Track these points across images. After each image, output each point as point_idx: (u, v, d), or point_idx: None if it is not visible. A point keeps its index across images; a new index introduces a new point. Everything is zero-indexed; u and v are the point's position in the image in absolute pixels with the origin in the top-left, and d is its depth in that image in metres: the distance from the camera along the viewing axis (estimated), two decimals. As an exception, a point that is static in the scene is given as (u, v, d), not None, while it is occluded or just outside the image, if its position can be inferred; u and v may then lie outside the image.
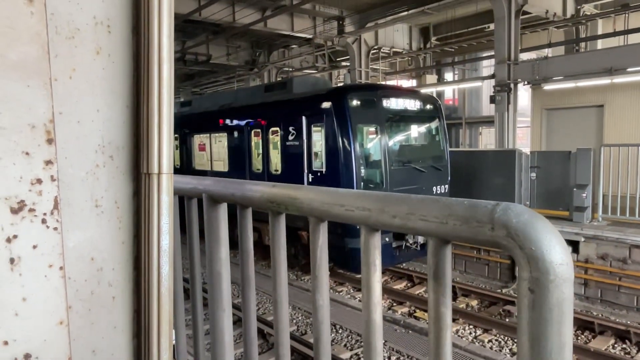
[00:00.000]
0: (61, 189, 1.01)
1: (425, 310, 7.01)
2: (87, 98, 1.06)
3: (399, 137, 8.40)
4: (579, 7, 12.85)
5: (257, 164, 9.25)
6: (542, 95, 12.02)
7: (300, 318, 6.86)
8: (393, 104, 8.10)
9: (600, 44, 12.83)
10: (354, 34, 15.31)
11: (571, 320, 0.68)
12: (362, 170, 7.48)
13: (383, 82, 16.80)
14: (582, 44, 13.05)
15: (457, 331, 6.68)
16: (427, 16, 14.00)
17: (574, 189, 8.34)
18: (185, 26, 15.23)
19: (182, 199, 1.41)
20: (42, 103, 0.99)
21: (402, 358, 5.51)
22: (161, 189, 1.10)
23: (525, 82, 11.32)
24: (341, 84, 16.86)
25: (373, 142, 7.88)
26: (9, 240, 0.94)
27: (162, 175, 1.10)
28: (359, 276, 7.42)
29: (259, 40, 19.13)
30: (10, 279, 0.94)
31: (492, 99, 11.52)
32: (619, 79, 10.06)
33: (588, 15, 12.86)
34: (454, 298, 7.95)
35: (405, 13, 13.56)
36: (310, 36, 15.55)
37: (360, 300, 7.34)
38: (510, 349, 6.11)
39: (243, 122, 9.62)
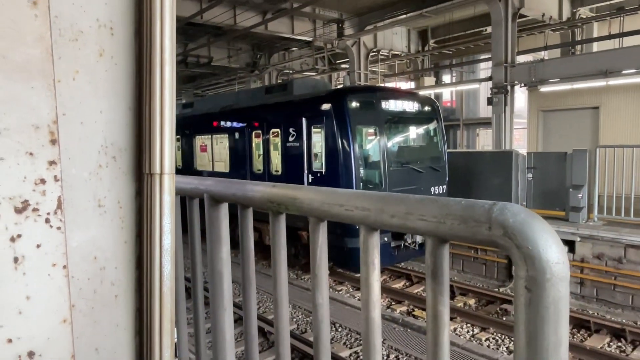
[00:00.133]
0: (64, 189, 1.02)
1: (424, 309, 7.03)
2: (90, 99, 1.07)
3: (398, 139, 8.45)
4: (574, 11, 12.95)
5: (258, 164, 9.28)
6: (539, 97, 12.10)
7: (300, 316, 6.87)
8: (392, 105, 8.14)
9: (595, 46, 12.92)
10: (354, 37, 15.39)
11: (567, 319, 0.69)
12: (362, 171, 7.53)
13: (382, 84, 16.85)
14: (578, 47, 13.14)
15: (455, 329, 6.70)
16: (426, 19, 14.07)
17: (570, 190, 8.39)
18: (187, 29, 15.28)
19: (184, 199, 1.42)
20: (45, 104, 1.00)
21: (400, 356, 5.53)
22: (163, 189, 1.11)
23: (522, 84, 11.39)
24: (341, 86, 16.90)
25: (372, 143, 7.92)
26: (13, 239, 0.95)
27: (164, 176, 1.11)
28: (358, 275, 7.44)
29: (259, 43, 19.19)
30: (14, 278, 0.95)
31: (490, 101, 11.59)
32: (614, 81, 10.13)
33: (584, 19, 12.95)
34: (452, 297, 7.98)
35: (404, 16, 13.63)
36: (310, 39, 15.62)
37: (359, 299, 7.36)
38: (507, 347, 6.15)
39: (244, 124, 9.66)
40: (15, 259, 0.95)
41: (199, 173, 11.15)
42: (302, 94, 8.73)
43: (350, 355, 5.69)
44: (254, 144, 9.36)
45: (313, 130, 7.94)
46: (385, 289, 8.23)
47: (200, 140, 11.22)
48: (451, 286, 8.06)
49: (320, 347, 1.11)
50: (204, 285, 1.44)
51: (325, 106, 7.79)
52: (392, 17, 14.02)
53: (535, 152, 10.28)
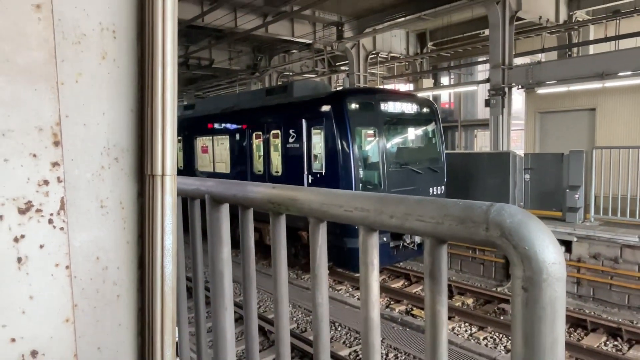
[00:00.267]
0: (67, 190, 1.03)
1: (422, 308, 7.06)
2: (93, 101, 1.08)
3: (397, 140, 8.49)
4: (571, 14, 13.03)
5: (258, 165, 9.31)
6: (536, 99, 12.16)
7: (300, 316, 6.89)
8: (391, 107, 8.19)
9: (592, 49, 13.00)
10: (353, 39, 15.46)
11: (563, 318, 0.70)
12: (361, 172, 7.56)
13: (381, 86, 16.90)
14: (575, 49, 13.22)
15: (453, 329, 6.73)
16: (424, 22, 14.13)
17: (567, 190, 8.44)
18: (188, 31, 15.34)
19: (185, 200, 1.43)
20: (49, 106, 1.01)
21: (399, 355, 5.55)
22: (165, 190, 1.12)
23: (519, 86, 11.45)
24: (340, 88, 16.95)
25: (371, 145, 7.96)
26: (16, 240, 0.96)
27: (166, 177, 1.12)
28: (357, 275, 7.46)
29: (260, 45, 19.25)
30: (17, 278, 0.96)
31: (487, 103, 11.64)
32: (610, 83, 10.20)
33: (580, 22, 13.04)
34: (450, 296, 8.01)
35: (403, 19, 13.70)
36: (310, 41, 15.68)
37: (358, 299, 7.34)
38: (505, 346, 6.17)
39: (244, 125, 9.70)
40: (19, 259, 0.96)
41: (200, 174, 11.18)
42: (302, 95, 8.77)
43: (350, 354, 5.71)
44: (254, 145, 9.39)
45: (313, 131, 7.98)
46: (384, 289, 8.25)
47: (201, 142, 11.25)
48: (449, 286, 8.15)
49: (319, 346, 1.12)
50: (205, 284, 1.45)
51: (325, 108, 7.82)
52: (391, 20, 14.09)
53: (532, 153, 10.33)
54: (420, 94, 11.86)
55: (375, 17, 14.66)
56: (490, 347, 6.13)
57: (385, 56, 17.41)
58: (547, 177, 9.22)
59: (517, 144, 16.08)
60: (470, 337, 6.46)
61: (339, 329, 6.34)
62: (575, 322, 6.70)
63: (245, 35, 14.79)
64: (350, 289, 8.53)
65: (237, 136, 9.91)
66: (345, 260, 7.77)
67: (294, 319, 6.76)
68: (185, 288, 1.51)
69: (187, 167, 11.73)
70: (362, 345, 1.02)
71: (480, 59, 16.79)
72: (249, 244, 1.30)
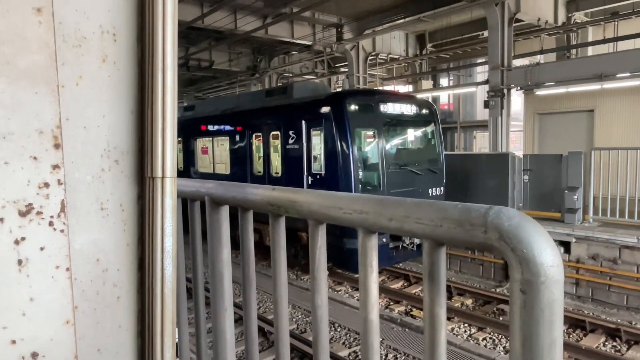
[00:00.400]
0: (68, 193, 1.03)
1: (422, 309, 7.04)
2: (93, 104, 1.08)
3: (396, 141, 8.51)
4: (570, 15, 13.08)
5: (258, 166, 9.32)
6: (535, 100, 12.19)
7: (300, 316, 6.89)
8: (390, 108, 8.21)
9: (590, 50, 13.04)
10: (352, 41, 15.49)
11: (561, 320, 0.70)
12: (360, 173, 7.58)
13: (380, 88, 16.93)
14: (573, 51, 13.26)
15: (453, 329, 6.74)
16: (423, 24, 14.17)
17: (566, 191, 8.46)
18: (188, 33, 15.38)
19: (185, 201, 1.44)
20: (49, 109, 1.02)
21: (399, 356, 5.56)
22: (165, 193, 1.13)
23: (518, 88, 11.48)
24: (340, 89, 16.98)
25: (371, 146, 7.97)
26: (17, 242, 0.96)
27: (166, 179, 1.13)
28: (357, 276, 7.45)
29: (260, 47, 19.30)
30: (18, 280, 0.96)
31: (486, 104, 11.66)
32: (608, 85, 10.23)
33: (579, 23, 13.08)
34: (450, 297, 8.01)
35: (402, 21, 13.74)
36: (310, 43, 15.72)
37: (358, 299, 7.32)
38: (504, 347, 6.18)
39: (244, 126, 9.71)
40: (20, 262, 0.97)
41: (200, 174, 11.20)
42: (301, 97, 8.78)
43: (349, 354, 5.72)
44: (254, 146, 9.41)
45: (312, 132, 7.99)
46: (383, 289, 8.26)
47: (201, 143, 11.27)
48: (449, 286, 8.16)
49: (319, 347, 1.12)
50: (205, 285, 1.46)
51: (325, 109, 7.84)
52: (391, 22, 14.13)
53: (531, 155, 10.36)
54: (419, 96, 11.88)
55: (374, 19, 14.70)
56: (490, 348, 6.13)
57: (384, 57, 17.45)
58: (545, 178, 9.24)
59: (516, 145, 16.11)
60: (469, 338, 6.47)
61: (338, 329, 6.35)
62: (574, 323, 6.71)
63: (245, 37, 14.83)
64: (350, 290, 8.54)
65: (237, 137, 9.92)
66: (345, 261, 7.78)
67: (294, 319, 6.76)
68: (185, 289, 1.52)
69: (187, 168, 11.74)
70: (362, 347, 1.03)
71: (479, 61, 16.83)
72: (249, 246, 1.30)
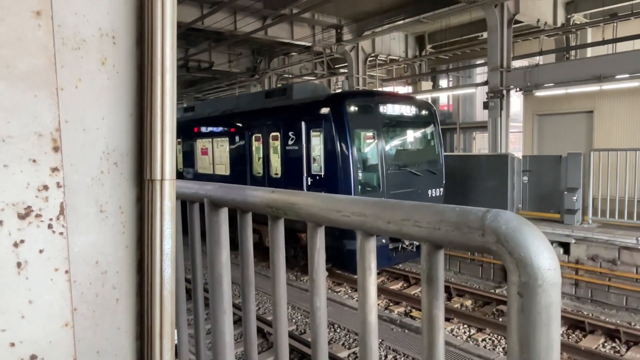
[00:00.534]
0: (67, 195, 1.03)
1: (421, 310, 7.05)
2: (92, 107, 1.09)
3: (396, 142, 8.51)
4: (569, 17, 13.10)
5: (258, 167, 9.32)
6: (534, 102, 12.20)
7: (299, 317, 6.88)
8: (389, 109, 8.22)
9: (589, 52, 13.07)
10: (352, 42, 15.51)
11: (559, 323, 0.70)
12: (360, 174, 7.58)
13: (380, 89, 16.95)
14: (572, 52, 13.28)
15: (452, 330, 6.74)
16: (423, 25, 14.19)
17: (565, 192, 8.46)
18: (188, 34, 15.41)
19: (185, 203, 1.44)
20: (48, 112, 1.02)
21: (398, 357, 5.56)
22: (164, 195, 1.13)
23: (518, 89, 11.49)
24: (339, 90, 16.98)
25: (370, 147, 7.98)
26: (16, 245, 0.97)
27: (165, 182, 1.13)
28: (356, 277, 7.46)
29: (259, 48, 19.33)
30: (17, 283, 0.97)
31: (486, 105, 11.68)
32: (607, 86, 10.25)
33: (578, 25, 13.10)
34: (449, 298, 8.01)
35: (402, 22, 13.75)
36: (310, 44, 15.73)
37: (357, 300, 7.31)
38: (503, 348, 6.18)
39: (244, 127, 9.72)
40: (19, 264, 0.97)
41: (200, 175, 11.20)
42: (301, 98, 8.78)
43: (349, 355, 5.71)
44: (254, 148, 9.41)
45: (312, 133, 8.00)
46: (383, 290, 8.25)
47: (201, 144, 11.28)
48: (448, 287, 8.15)
49: (318, 349, 1.13)
50: (204, 286, 1.46)
51: (324, 110, 7.85)
52: (390, 23, 14.15)
53: (530, 156, 10.36)
54: (418, 97, 11.89)
55: (374, 20, 14.72)
56: (489, 349, 6.14)
57: (384, 59, 17.47)
58: (545, 179, 9.25)
59: (515, 146, 16.13)
60: (469, 339, 6.47)
61: (337, 330, 6.35)
62: (573, 324, 6.71)
63: (244, 38, 14.85)
64: (350, 291, 8.54)
65: (237, 138, 9.93)
66: (344, 262, 7.78)
67: (293, 320, 6.76)
68: (185, 290, 1.52)
69: (187, 169, 11.74)
70: (360, 348, 1.03)
71: (478, 62, 16.86)
72: (248, 248, 1.30)
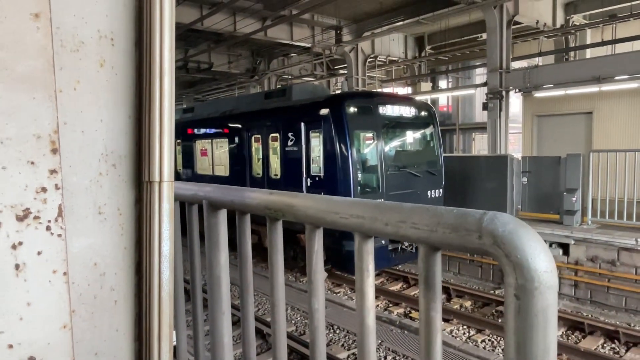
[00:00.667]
0: (65, 197, 1.04)
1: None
2: (90, 109, 1.09)
3: (395, 143, 8.51)
4: (568, 18, 13.12)
5: (257, 168, 9.32)
6: (533, 103, 12.21)
7: (298, 318, 6.87)
8: (389, 110, 8.22)
9: (588, 53, 13.08)
10: (351, 43, 15.52)
11: (555, 326, 0.70)
12: (359, 175, 7.57)
13: (379, 90, 16.96)
14: (572, 53, 13.30)
15: (451, 331, 6.74)
16: (422, 26, 14.21)
17: (564, 193, 8.47)
18: (187, 35, 15.40)
19: (183, 204, 1.44)
20: (47, 114, 1.02)
21: (397, 358, 5.55)
22: (162, 197, 1.13)
23: (517, 90, 11.50)
24: (339, 92, 16.99)
25: (369, 148, 7.97)
26: (14, 246, 0.97)
27: (163, 184, 1.13)
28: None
29: (259, 49, 19.33)
30: (15, 285, 0.97)
31: (485, 106, 11.69)
32: (607, 87, 10.26)
33: (577, 26, 13.12)
34: (448, 299, 8.01)
35: (401, 23, 13.77)
36: (309, 45, 15.74)
37: (354, 304, 7.28)
38: (502, 349, 6.18)
39: (244, 128, 9.71)
40: (17, 266, 0.97)
41: (199, 176, 11.20)
42: (300, 99, 8.79)
43: (348, 356, 5.71)
44: (253, 149, 9.41)
45: (311, 134, 7.99)
46: (382, 291, 8.25)
47: (200, 145, 11.28)
48: (447, 288, 8.15)
49: (316, 351, 1.13)
50: (203, 287, 1.46)
51: (324, 111, 7.84)
52: (390, 24, 14.16)
53: (529, 157, 10.37)
54: (418, 98, 11.90)
55: (373, 21, 14.74)
56: (488, 350, 6.13)
57: (383, 60, 17.48)
58: (544, 180, 9.25)
59: (515, 147, 16.15)
60: (468, 340, 6.46)
61: (337, 331, 6.34)
62: (572, 325, 6.71)
63: (244, 39, 14.84)
64: (349, 292, 8.53)
65: (236, 139, 9.93)
66: (344, 263, 7.77)
67: (293, 321, 6.75)
68: (184, 291, 1.52)
69: (186, 170, 11.74)
70: (358, 351, 1.03)
71: (477, 63, 16.87)
72: (246, 250, 1.31)
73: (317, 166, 7.90)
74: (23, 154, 0.98)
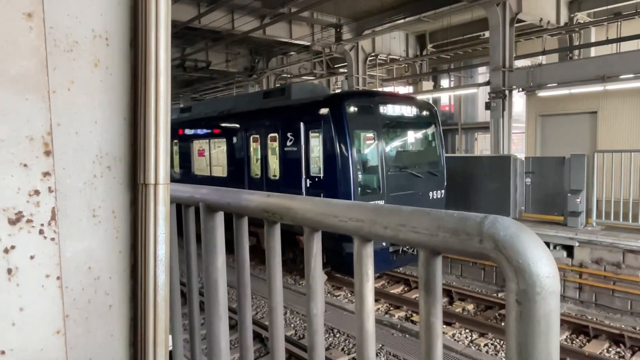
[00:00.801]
0: (59, 200, 1.02)
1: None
2: (85, 110, 1.07)
3: (396, 143, 8.45)
4: (572, 16, 13.03)
5: (256, 169, 9.27)
6: (537, 102, 12.14)
7: (297, 322, 6.83)
8: (390, 110, 8.16)
9: (593, 51, 13.00)
10: (352, 41, 15.46)
11: (558, 331, 0.69)
12: (360, 176, 7.52)
13: (380, 89, 16.91)
14: (576, 52, 13.21)
15: (454, 335, 6.68)
16: (424, 24, 14.15)
17: (568, 194, 8.40)
18: (185, 33, 15.34)
19: (180, 207, 1.42)
20: (40, 115, 1.01)
21: (398, 362, 5.52)
22: (158, 200, 1.11)
23: (520, 89, 11.44)
24: (339, 91, 16.95)
25: (370, 148, 7.92)
26: (6, 250, 0.95)
27: (159, 186, 1.11)
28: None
29: (257, 47, 19.27)
30: (7, 289, 0.95)
31: (488, 106, 11.62)
32: (611, 86, 10.18)
33: (581, 24, 13.03)
34: (451, 302, 7.95)
35: (402, 21, 13.71)
36: (309, 43, 15.68)
37: (356, 306, 7.26)
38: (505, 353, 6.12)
39: (242, 128, 9.66)
40: (9, 271, 0.95)
41: (197, 177, 11.17)
42: (300, 98, 8.73)
43: (348, 361, 5.68)
44: (251, 149, 9.37)
45: (311, 134, 7.94)
46: (383, 294, 8.19)
47: (198, 145, 11.24)
48: (450, 291, 8.09)
49: (315, 356, 1.11)
50: (200, 290, 1.44)
51: (323, 111, 7.79)
52: (390, 22, 14.11)
53: (533, 157, 10.31)
54: (419, 97, 11.86)
55: (374, 19, 14.68)
56: (491, 354, 6.08)
57: (384, 58, 17.41)
58: (548, 180, 9.19)
59: (518, 147, 16.05)
60: (471, 344, 6.40)
61: (337, 335, 6.29)
62: (577, 329, 6.64)
63: (242, 37, 14.81)
64: (349, 295, 8.47)
65: (234, 139, 9.88)
66: (343, 266, 7.71)
67: (292, 325, 6.70)
68: (180, 294, 1.50)
69: (184, 171, 11.71)
70: (357, 356, 1.01)
71: (480, 62, 16.79)
72: (244, 253, 1.29)
73: (317, 167, 7.85)
74: (16, 156, 0.97)
